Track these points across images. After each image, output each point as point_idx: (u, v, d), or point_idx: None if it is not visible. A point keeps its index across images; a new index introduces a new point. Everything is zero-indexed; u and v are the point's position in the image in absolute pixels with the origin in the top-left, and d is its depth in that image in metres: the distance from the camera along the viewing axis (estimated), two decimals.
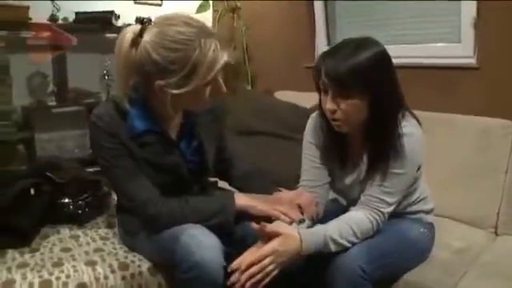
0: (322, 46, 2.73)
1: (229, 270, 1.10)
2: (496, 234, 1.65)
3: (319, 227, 1.18)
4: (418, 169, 1.28)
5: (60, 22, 2.65)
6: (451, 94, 2.08)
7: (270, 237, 1.12)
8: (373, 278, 1.13)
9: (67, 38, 2.55)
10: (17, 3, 2.44)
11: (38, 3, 2.55)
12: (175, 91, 1.11)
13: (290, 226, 1.17)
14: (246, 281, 1.06)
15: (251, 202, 1.25)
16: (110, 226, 1.55)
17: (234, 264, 1.09)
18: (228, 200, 1.24)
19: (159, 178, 1.24)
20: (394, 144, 1.17)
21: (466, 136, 1.78)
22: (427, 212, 1.40)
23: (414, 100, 2.04)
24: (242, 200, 1.24)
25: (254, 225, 1.15)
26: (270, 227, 1.13)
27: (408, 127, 1.20)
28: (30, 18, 2.50)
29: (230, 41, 3.18)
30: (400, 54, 2.30)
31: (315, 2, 2.68)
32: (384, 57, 1.18)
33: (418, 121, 1.27)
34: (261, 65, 3.06)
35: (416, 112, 1.89)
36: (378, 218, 1.20)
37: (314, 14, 2.71)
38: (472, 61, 2.03)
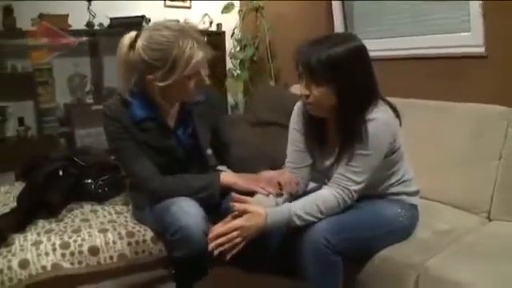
0: None
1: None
2: (489, 219, 1.66)
3: (286, 205, 1.32)
4: (395, 152, 1.36)
5: (96, 27, 2.93)
6: (461, 82, 2.10)
7: (239, 214, 1.26)
8: (338, 249, 1.23)
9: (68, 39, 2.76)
10: (57, 13, 2.75)
11: (76, 11, 2.85)
12: (161, 84, 1.32)
13: (258, 205, 1.30)
14: (214, 248, 1.22)
15: (234, 179, 1.43)
16: (125, 203, 1.75)
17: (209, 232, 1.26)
18: (215, 178, 1.42)
19: (159, 159, 1.44)
20: (360, 128, 1.27)
21: (463, 123, 1.79)
22: (409, 194, 1.46)
23: (425, 89, 2.09)
24: (226, 178, 1.43)
25: (232, 202, 1.29)
26: (238, 207, 1.27)
27: (374, 113, 1.28)
28: (70, 25, 2.81)
29: (254, 38, 3.33)
30: (412, 45, 2.34)
31: (333, 2, 2.74)
32: (358, 52, 1.27)
33: (393, 108, 1.34)
34: (283, 61, 3.18)
35: (414, 100, 1.95)
36: (344, 195, 1.29)
37: (332, 13, 2.78)
38: (481, 50, 2.03)
